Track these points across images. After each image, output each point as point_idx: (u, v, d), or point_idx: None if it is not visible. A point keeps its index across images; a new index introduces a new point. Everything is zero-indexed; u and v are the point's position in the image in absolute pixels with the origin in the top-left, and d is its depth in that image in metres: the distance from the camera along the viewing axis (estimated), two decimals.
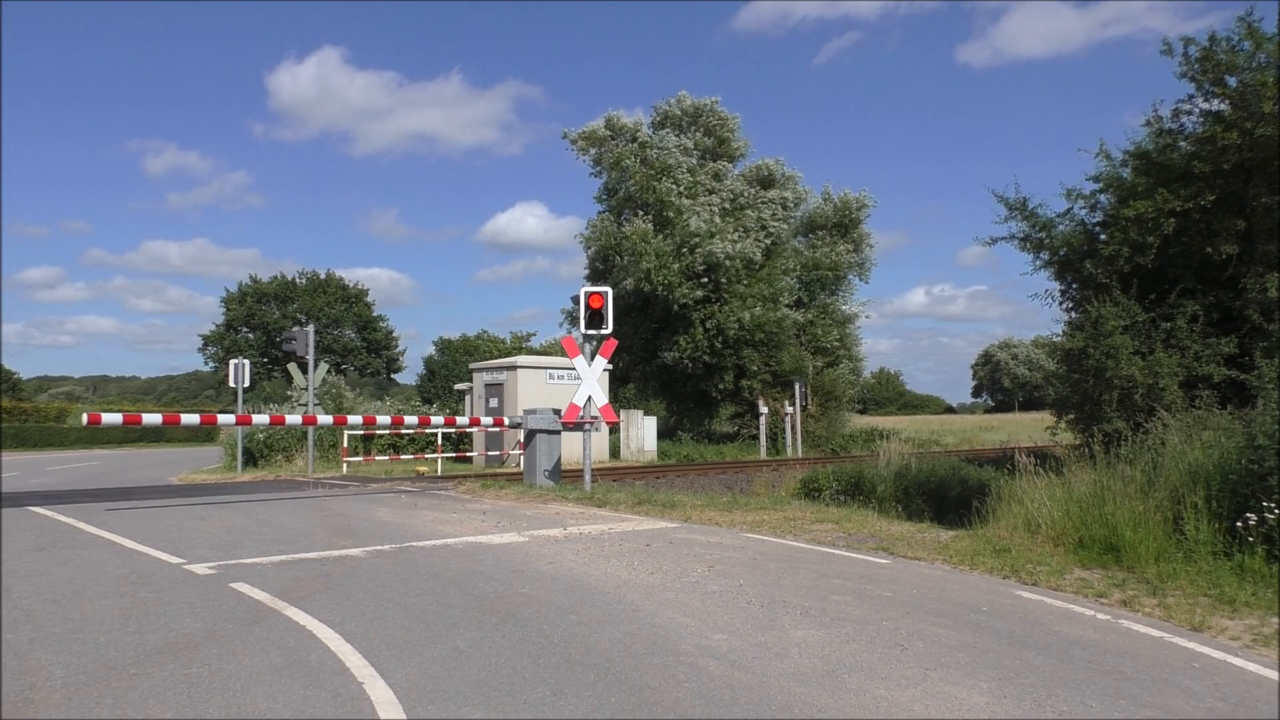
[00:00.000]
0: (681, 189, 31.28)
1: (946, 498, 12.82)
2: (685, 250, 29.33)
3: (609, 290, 13.68)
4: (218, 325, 59.41)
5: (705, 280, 29.67)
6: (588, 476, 13.77)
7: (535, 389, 23.86)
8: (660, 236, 29.87)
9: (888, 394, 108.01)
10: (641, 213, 31.24)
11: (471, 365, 28.38)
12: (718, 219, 30.78)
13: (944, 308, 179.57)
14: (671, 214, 30.38)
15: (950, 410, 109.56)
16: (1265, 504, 7.00)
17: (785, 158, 45.27)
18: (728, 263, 29.74)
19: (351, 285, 63.16)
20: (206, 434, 45.09)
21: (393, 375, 66.15)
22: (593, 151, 33.71)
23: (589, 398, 13.91)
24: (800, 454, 30.24)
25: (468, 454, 23.97)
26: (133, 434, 47.55)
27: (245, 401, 23.53)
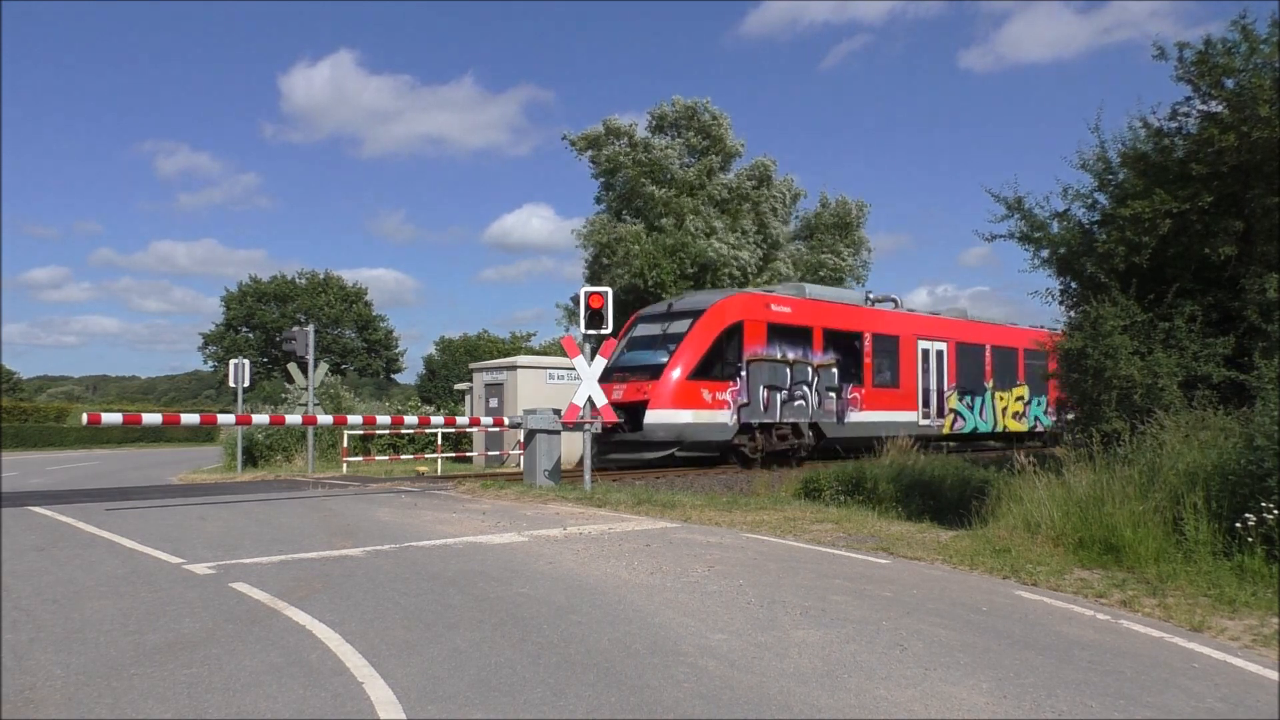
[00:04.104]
0: (673, 189, 31.37)
1: (946, 498, 12.80)
2: (680, 251, 29.35)
3: (609, 290, 13.68)
4: (218, 325, 59.44)
5: (700, 281, 29.71)
6: (588, 476, 13.77)
7: (535, 389, 23.85)
8: (651, 238, 29.95)
9: None
10: (634, 214, 31.37)
11: (471, 365, 28.39)
12: (714, 220, 30.85)
13: (945, 307, 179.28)
14: (661, 213, 30.47)
15: None
16: (1264, 504, 7.01)
17: (792, 160, 45.47)
18: (721, 265, 29.78)
19: (351, 285, 63.19)
20: (206, 434, 45.09)
21: (392, 375, 66.17)
22: (590, 153, 33.81)
23: (589, 398, 13.91)
24: None
25: (468, 454, 23.96)
26: (132, 434, 47.55)
27: (245, 401, 23.52)
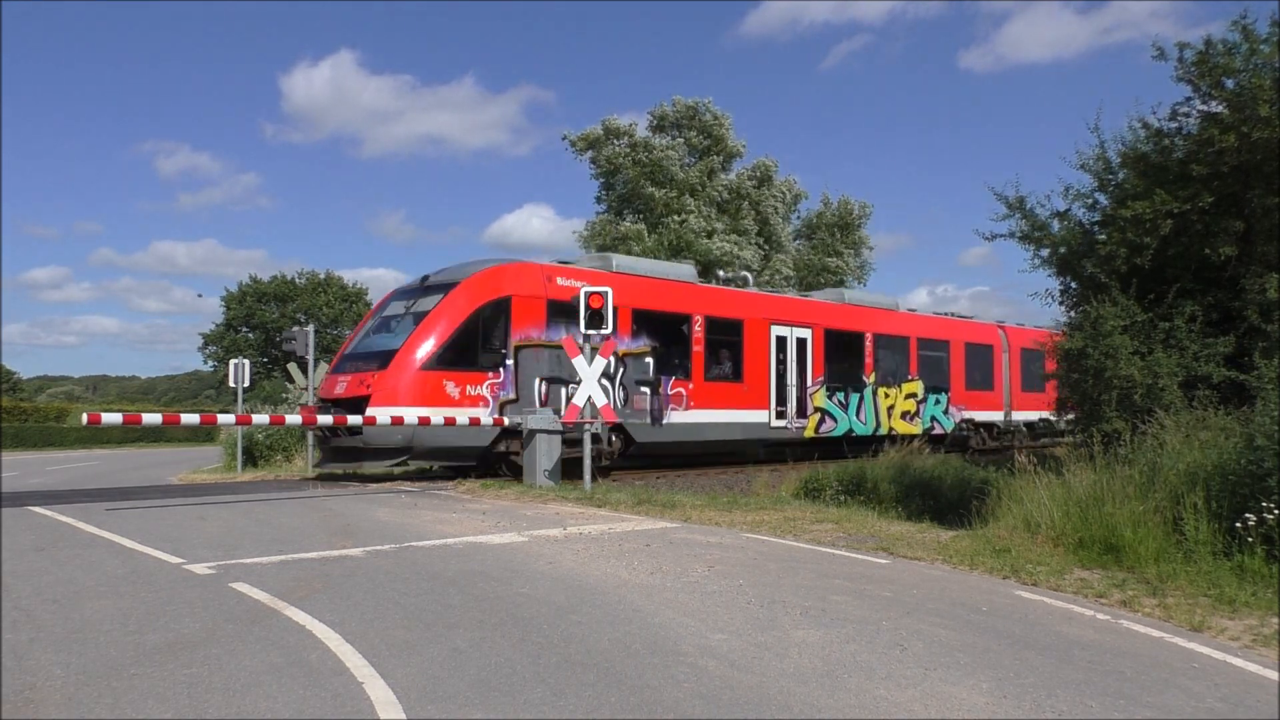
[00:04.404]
0: (674, 189, 31.46)
1: (946, 498, 12.82)
2: (682, 249, 29.42)
3: (609, 290, 13.68)
4: (218, 325, 59.48)
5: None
6: (588, 476, 13.77)
7: None
8: (653, 237, 30.03)
9: None
10: (635, 214, 31.47)
11: None
12: (715, 220, 30.97)
13: (946, 307, 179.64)
14: (662, 212, 30.57)
15: None
16: (1264, 504, 7.01)
17: (793, 160, 45.69)
18: (724, 260, 29.92)
19: (351, 285, 63.23)
20: (206, 434, 45.03)
21: None
22: (590, 154, 33.84)
23: (589, 398, 13.91)
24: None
25: None
26: (132, 434, 47.53)
27: (245, 401, 23.52)
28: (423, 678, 4.35)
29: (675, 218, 30.49)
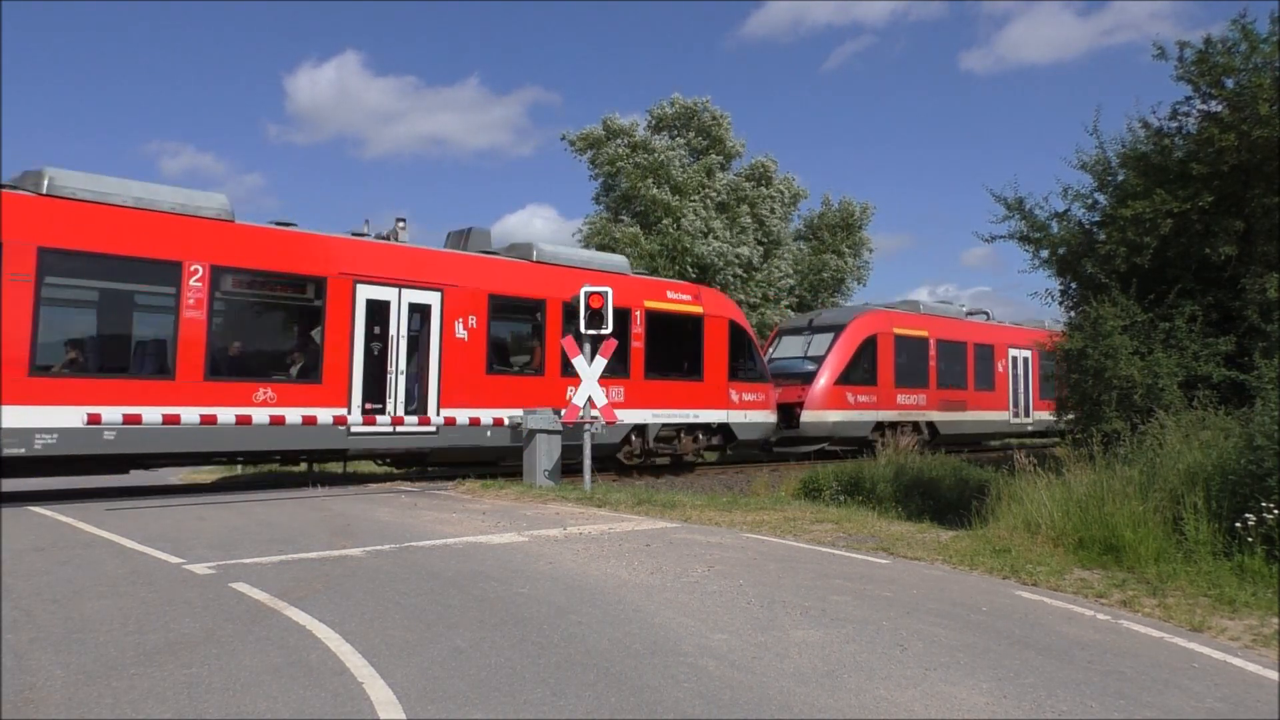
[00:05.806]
0: (672, 189, 31.44)
1: (946, 498, 12.83)
2: (677, 251, 29.44)
3: (609, 290, 13.68)
4: None
5: (700, 282, 29.84)
6: (588, 476, 13.76)
7: None
8: (648, 238, 30.02)
9: None
10: (631, 215, 31.47)
11: None
12: (713, 220, 30.94)
13: (947, 308, 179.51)
14: (661, 213, 30.55)
15: None
16: (1264, 504, 7.01)
17: (795, 161, 45.48)
18: (720, 262, 29.89)
19: None
20: None
21: None
22: (590, 154, 33.75)
23: (589, 397, 13.91)
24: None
25: None
26: None
27: None
28: (423, 678, 4.35)
29: (670, 220, 30.46)
